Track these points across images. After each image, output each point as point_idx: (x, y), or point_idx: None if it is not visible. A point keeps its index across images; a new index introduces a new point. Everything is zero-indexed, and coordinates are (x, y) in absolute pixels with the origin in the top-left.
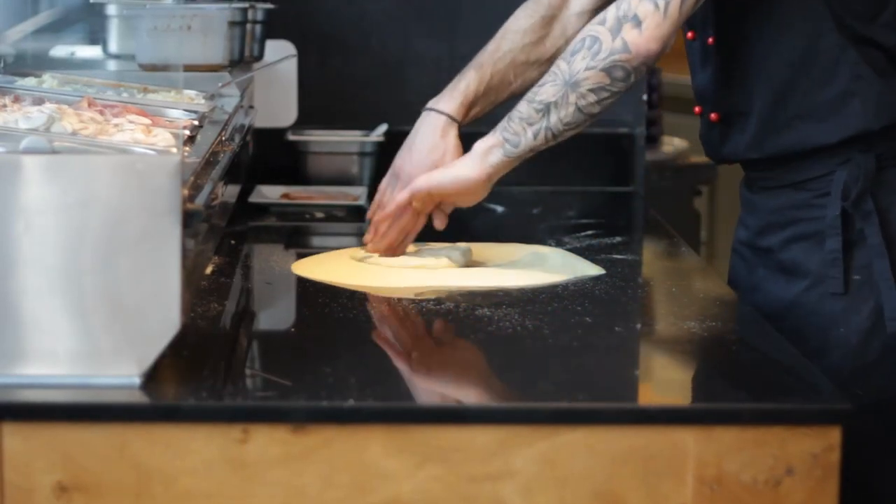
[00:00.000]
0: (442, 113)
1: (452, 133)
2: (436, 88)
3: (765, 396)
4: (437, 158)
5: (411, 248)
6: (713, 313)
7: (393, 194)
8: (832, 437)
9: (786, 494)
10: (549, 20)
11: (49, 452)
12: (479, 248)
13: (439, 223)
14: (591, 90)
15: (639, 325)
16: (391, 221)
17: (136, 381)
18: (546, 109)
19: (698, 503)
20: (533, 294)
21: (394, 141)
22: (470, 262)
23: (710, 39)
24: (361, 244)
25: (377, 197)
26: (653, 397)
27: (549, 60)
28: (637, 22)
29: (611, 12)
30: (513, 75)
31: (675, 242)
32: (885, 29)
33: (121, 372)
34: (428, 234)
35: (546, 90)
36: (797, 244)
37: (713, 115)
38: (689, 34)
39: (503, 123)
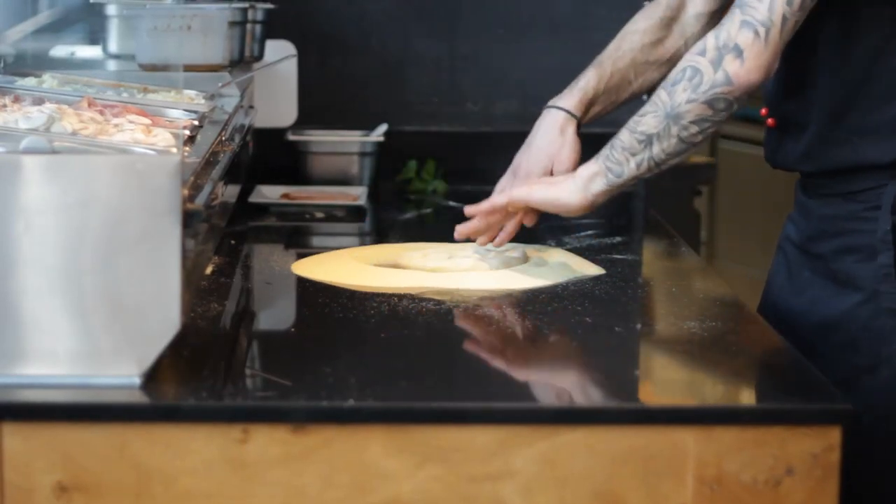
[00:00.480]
0: (561, 109)
1: (571, 129)
2: (436, 88)
3: (765, 396)
4: (553, 153)
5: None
6: (713, 313)
7: (507, 190)
8: (832, 437)
9: (786, 494)
10: (668, 22)
11: (49, 452)
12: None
13: (529, 221)
14: (693, 122)
15: (639, 325)
16: (482, 216)
17: (136, 381)
18: (648, 141)
19: (698, 503)
20: (533, 294)
21: (394, 141)
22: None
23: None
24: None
25: (496, 190)
26: (653, 397)
27: (669, 61)
28: (738, 52)
29: (710, 41)
30: (633, 74)
31: (675, 242)
32: None
33: (121, 372)
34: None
35: (648, 121)
36: (849, 255)
37: (770, 121)
38: None
39: (606, 152)
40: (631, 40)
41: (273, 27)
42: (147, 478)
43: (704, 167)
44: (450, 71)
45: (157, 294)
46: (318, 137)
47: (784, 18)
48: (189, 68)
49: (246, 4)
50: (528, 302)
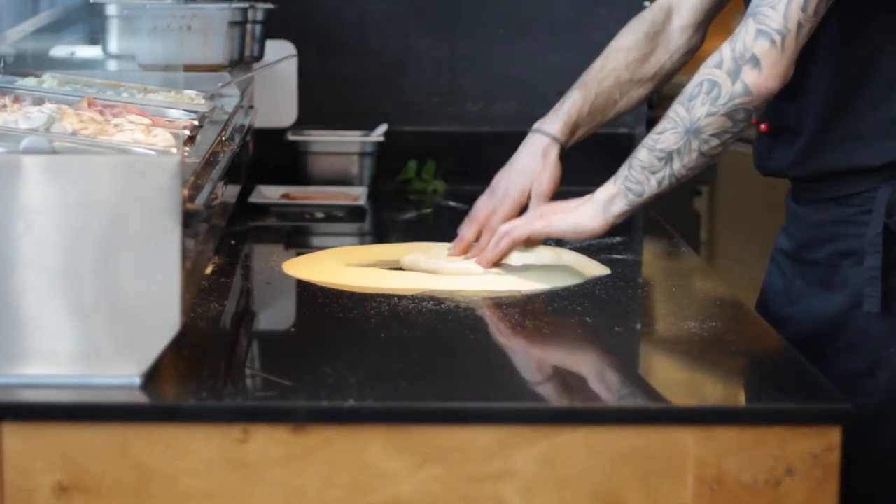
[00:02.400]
0: (546, 134)
1: (553, 153)
2: (436, 88)
3: (765, 396)
4: (534, 176)
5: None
6: (713, 313)
7: (487, 205)
8: (832, 437)
9: (786, 494)
10: (653, 36)
11: (49, 452)
12: None
13: (533, 243)
14: (714, 135)
15: (639, 325)
16: (490, 238)
17: (136, 381)
18: (668, 157)
19: (698, 503)
20: (533, 294)
21: (394, 141)
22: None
23: None
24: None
25: (472, 213)
26: (653, 397)
27: (654, 77)
28: (755, 62)
29: (726, 52)
30: (618, 94)
31: (675, 242)
32: None
33: (121, 372)
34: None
35: (667, 138)
36: (844, 260)
37: (763, 126)
38: None
39: (624, 172)
40: (615, 59)
41: (273, 27)
42: (147, 478)
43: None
44: (450, 71)
45: (157, 294)
46: (318, 137)
47: (799, 25)
48: (189, 68)
49: (246, 4)
50: (528, 302)
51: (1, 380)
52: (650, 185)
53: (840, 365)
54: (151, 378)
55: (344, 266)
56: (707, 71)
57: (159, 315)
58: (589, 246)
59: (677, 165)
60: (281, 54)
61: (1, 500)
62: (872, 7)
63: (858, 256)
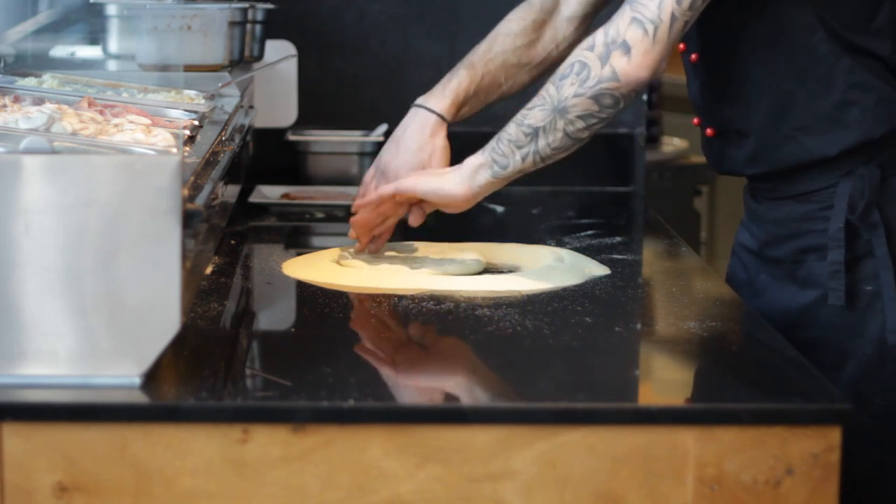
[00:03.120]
0: (432, 112)
1: (441, 133)
2: None
3: (765, 396)
4: (424, 158)
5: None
6: (713, 313)
7: (377, 189)
8: (832, 437)
9: (786, 494)
10: (541, 24)
11: (49, 452)
12: (488, 249)
13: (414, 220)
14: (580, 117)
15: (639, 325)
16: (371, 208)
17: (136, 381)
18: (535, 134)
19: (698, 503)
20: (533, 294)
21: None
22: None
23: (694, 56)
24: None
25: (360, 190)
26: (653, 397)
27: (540, 64)
28: (626, 49)
29: (599, 37)
30: (503, 77)
31: (675, 242)
32: (877, 36)
33: (121, 372)
34: (435, 234)
35: (535, 114)
36: (808, 255)
37: (709, 130)
38: (681, 46)
39: (492, 144)
40: (503, 42)
41: (273, 27)
42: (147, 478)
43: (704, 167)
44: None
45: (157, 294)
46: (318, 137)
47: (673, 17)
48: (189, 68)
49: (246, 4)
50: (528, 302)
51: (1, 380)
52: (515, 160)
53: (809, 358)
54: (151, 378)
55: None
56: (580, 52)
57: (159, 315)
58: (589, 246)
59: (542, 143)
60: (281, 54)
61: (1, 500)
62: (793, 1)
63: (823, 251)
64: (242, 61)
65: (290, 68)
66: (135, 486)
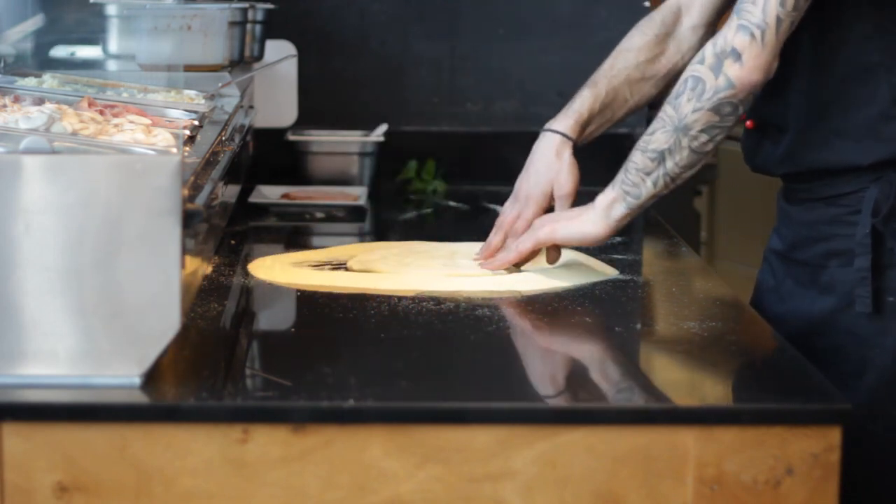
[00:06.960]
0: (556, 132)
1: (567, 152)
2: (436, 88)
3: (765, 396)
4: (552, 177)
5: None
6: (713, 313)
7: (512, 213)
8: (832, 437)
9: (786, 494)
10: (664, 37)
11: (49, 452)
12: None
13: (552, 259)
14: (702, 130)
15: (639, 325)
16: (512, 260)
17: (136, 381)
18: (661, 157)
19: (698, 503)
20: (533, 294)
21: (394, 141)
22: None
23: None
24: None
25: (500, 218)
26: (653, 397)
27: (666, 76)
28: (737, 56)
29: (708, 50)
30: (629, 93)
31: (675, 242)
32: None
33: (121, 372)
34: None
35: (657, 137)
36: (833, 260)
37: (749, 122)
38: None
39: (620, 177)
40: (626, 58)
41: (273, 27)
42: (147, 478)
43: (704, 167)
44: (450, 71)
45: (157, 294)
46: (318, 137)
47: (778, 19)
48: (189, 68)
49: (246, 4)
50: (528, 302)
51: (1, 380)
52: (646, 187)
53: (829, 365)
54: (151, 378)
55: (294, 266)
56: (692, 68)
57: (159, 315)
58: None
59: (670, 164)
60: (281, 54)
61: (1, 500)
62: (854, 6)
63: (847, 257)
64: (242, 61)
65: (290, 68)
66: (135, 486)
